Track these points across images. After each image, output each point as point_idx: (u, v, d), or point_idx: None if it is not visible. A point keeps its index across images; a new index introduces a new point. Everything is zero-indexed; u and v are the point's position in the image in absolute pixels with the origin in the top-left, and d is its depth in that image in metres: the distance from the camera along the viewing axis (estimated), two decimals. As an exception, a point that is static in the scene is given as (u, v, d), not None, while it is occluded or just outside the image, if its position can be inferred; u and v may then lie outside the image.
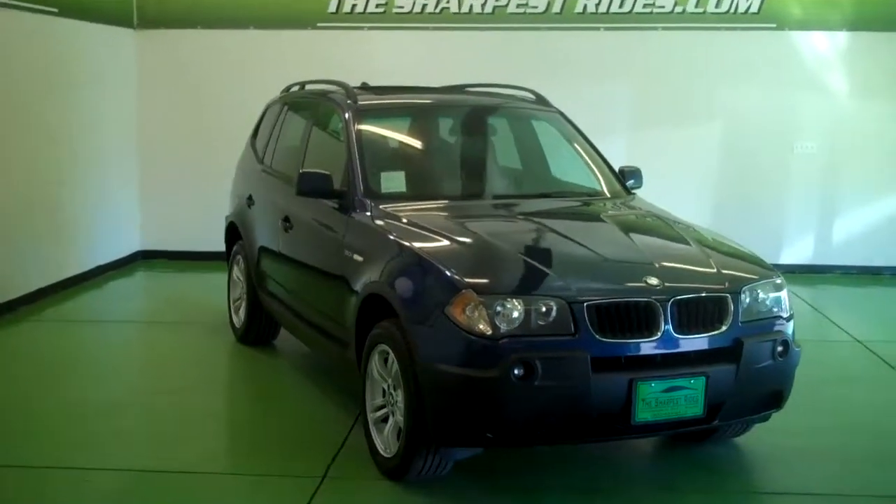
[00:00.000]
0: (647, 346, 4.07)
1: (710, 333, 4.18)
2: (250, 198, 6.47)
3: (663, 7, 9.21)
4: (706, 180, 9.56)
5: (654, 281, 4.18)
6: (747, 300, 4.31)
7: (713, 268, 4.45)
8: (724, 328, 4.20)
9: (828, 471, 4.72)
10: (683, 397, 4.07)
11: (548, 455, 4.69)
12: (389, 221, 4.82)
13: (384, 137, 5.77)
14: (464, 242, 4.55)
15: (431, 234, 4.60)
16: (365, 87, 6.25)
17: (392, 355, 4.31)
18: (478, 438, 4.07)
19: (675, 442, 4.96)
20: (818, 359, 6.40)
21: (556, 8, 9.24)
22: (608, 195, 5.60)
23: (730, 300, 4.24)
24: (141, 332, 7.47)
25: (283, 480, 4.51)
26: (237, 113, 8.32)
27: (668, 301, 4.10)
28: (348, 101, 5.57)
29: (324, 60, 8.84)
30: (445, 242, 4.54)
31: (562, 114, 6.05)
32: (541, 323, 3.97)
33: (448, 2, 9.27)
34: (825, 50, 9.35)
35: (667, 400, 4.04)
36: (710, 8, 9.21)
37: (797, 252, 9.60)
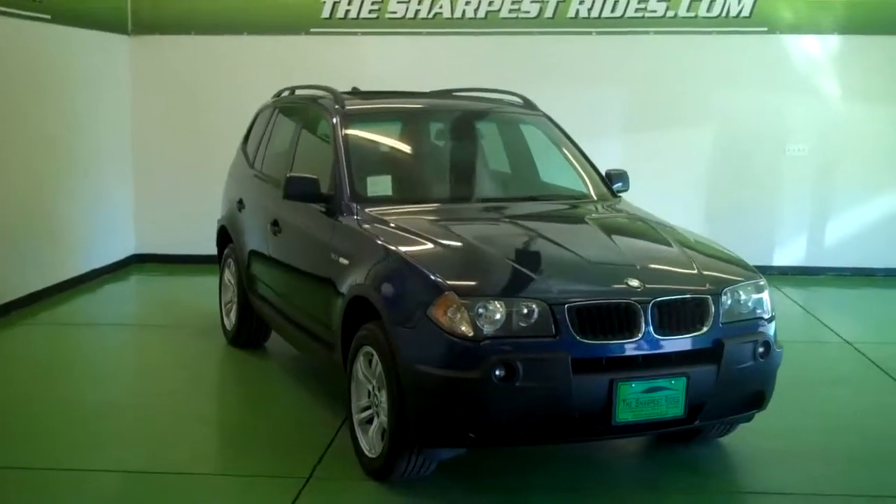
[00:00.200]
0: (628, 347, 4.10)
1: (690, 334, 4.21)
2: (241, 202, 6.51)
3: (655, 11, 9.25)
4: (699, 183, 9.60)
5: (635, 283, 4.21)
6: (728, 301, 4.35)
7: (694, 269, 4.49)
8: (704, 329, 4.23)
9: (811, 471, 4.75)
10: (664, 398, 4.10)
11: (532, 455, 4.73)
12: (375, 225, 4.85)
13: (371, 142, 5.79)
14: (448, 245, 4.58)
15: (416, 238, 4.64)
16: (354, 92, 6.29)
17: (376, 357, 4.35)
18: (460, 439, 4.10)
19: (660, 442, 5.00)
20: (807, 360, 6.46)
21: (549, 13, 9.28)
22: (594, 198, 5.62)
23: (711, 301, 4.27)
24: (134, 335, 7.53)
25: (272, 481, 4.55)
26: (231, 118, 8.35)
27: (649, 303, 4.14)
28: (336, 106, 5.61)
29: (317, 66, 8.91)
30: (429, 246, 4.57)
31: (549, 117, 6.08)
32: (522, 325, 4.01)
33: (441, 7, 9.31)
34: (816, 53, 9.38)
35: (647, 400, 4.07)
36: (702, 12, 9.24)
37: (790, 254, 9.63)
